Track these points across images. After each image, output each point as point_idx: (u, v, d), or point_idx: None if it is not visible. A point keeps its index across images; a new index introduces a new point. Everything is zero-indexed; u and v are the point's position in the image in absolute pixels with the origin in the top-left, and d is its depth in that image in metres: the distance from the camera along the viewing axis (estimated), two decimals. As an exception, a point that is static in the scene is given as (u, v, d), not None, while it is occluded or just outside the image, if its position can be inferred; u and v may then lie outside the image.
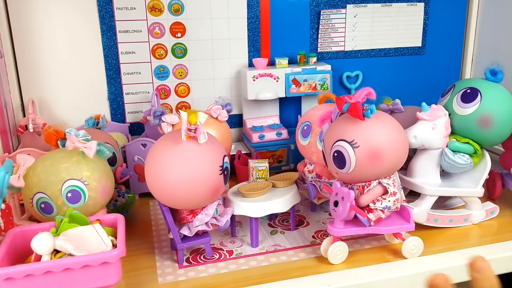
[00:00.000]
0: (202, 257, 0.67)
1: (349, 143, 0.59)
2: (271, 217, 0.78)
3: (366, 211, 0.62)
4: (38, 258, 0.51)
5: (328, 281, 0.60)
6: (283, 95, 1.00)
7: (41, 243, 0.51)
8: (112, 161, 0.75)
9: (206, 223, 0.64)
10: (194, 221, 0.63)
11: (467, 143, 0.72)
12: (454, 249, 0.67)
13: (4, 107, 0.85)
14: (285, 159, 0.98)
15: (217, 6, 1.00)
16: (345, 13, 1.07)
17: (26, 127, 0.89)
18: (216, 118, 0.79)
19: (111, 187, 0.65)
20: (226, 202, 0.70)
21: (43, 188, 0.60)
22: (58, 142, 0.67)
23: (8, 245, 0.53)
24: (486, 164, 0.73)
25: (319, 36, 1.07)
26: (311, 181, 0.75)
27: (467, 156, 0.72)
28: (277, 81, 0.99)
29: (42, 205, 0.61)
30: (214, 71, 1.04)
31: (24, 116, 0.95)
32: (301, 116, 0.80)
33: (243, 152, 0.96)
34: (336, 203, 0.62)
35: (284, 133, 0.98)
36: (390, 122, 0.61)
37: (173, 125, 0.76)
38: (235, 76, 1.05)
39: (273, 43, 1.05)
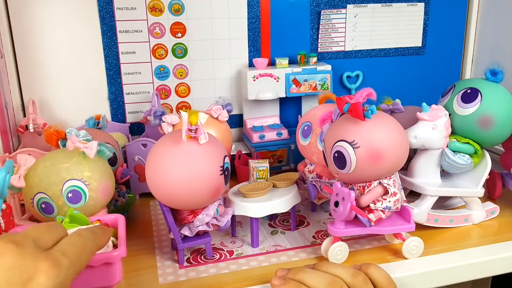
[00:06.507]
0: (202, 257, 0.67)
1: (349, 143, 0.59)
2: (272, 217, 0.78)
3: (366, 212, 0.63)
4: (39, 258, 0.51)
5: (328, 281, 0.60)
6: (283, 95, 1.00)
7: (42, 243, 0.50)
8: (112, 161, 0.75)
9: (207, 223, 0.64)
10: (194, 221, 0.63)
11: (468, 143, 0.72)
12: (454, 249, 0.67)
13: (5, 107, 0.85)
14: (285, 159, 0.98)
15: (217, 6, 1.00)
16: (345, 13, 1.07)
17: (27, 127, 0.88)
18: (217, 118, 0.79)
19: (111, 187, 0.65)
20: (226, 202, 0.70)
21: (43, 188, 0.60)
22: (59, 142, 0.67)
23: (9, 246, 0.53)
24: (487, 164, 0.73)
25: (319, 36, 1.07)
26: (311, 181, 0.75)
27: (467, 156, 0.72)
28: (277, 81, 0.99)
29: (43, 205, 0.61)
30: (214, 71, 1.04)
31: (25, 116, 0.95)
32: (301, 116, 0.80)
33: (243, 152, 0.96)
34: (336, 204, 0.62)
35: (285, 133, 0.98)
36: (390, 123, 0.61)
37: (173, 125, 0.76)
38: (236, 76, 1.05)
39: (273, 43, 1.05)
